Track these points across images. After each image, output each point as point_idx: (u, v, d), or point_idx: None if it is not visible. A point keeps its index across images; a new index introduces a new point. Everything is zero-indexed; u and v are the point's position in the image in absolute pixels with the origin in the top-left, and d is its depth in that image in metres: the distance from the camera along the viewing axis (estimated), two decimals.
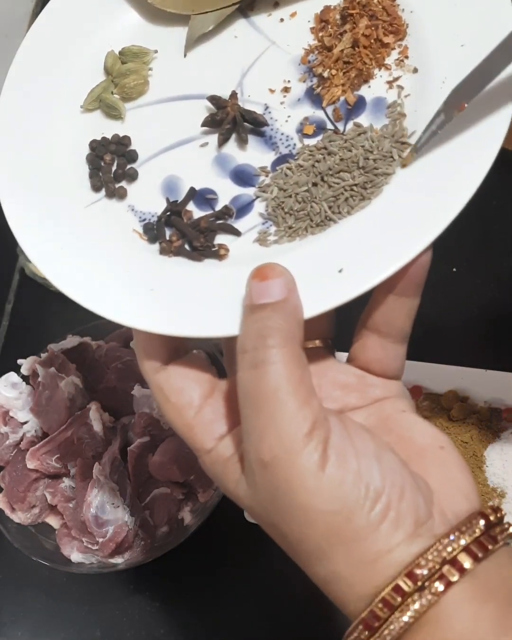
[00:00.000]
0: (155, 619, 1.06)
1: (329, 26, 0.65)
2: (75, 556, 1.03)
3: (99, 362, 1.12)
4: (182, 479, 1.04)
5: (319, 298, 0.54)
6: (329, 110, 0.63)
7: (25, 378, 1.11)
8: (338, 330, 0.62)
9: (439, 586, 0.48)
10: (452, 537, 0.50)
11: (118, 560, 1.03)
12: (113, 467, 1.03)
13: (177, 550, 1.01)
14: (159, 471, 1.03)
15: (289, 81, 0.65)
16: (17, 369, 1.11)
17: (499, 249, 1.14)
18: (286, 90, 0.65)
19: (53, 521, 1.08)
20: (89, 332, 1.14)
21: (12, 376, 1.10)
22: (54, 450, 1.04)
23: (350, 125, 0.62)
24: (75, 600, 1.08)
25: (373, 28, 0.63)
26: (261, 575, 1.05)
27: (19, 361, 1.10)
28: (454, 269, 1.14)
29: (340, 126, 0.62)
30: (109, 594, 1.08)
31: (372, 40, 0.63)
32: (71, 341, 1.11)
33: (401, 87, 0.62)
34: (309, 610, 1.01)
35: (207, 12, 0.68)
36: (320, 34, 0.65)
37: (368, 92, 0.63)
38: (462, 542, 0.50)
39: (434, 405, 1.05)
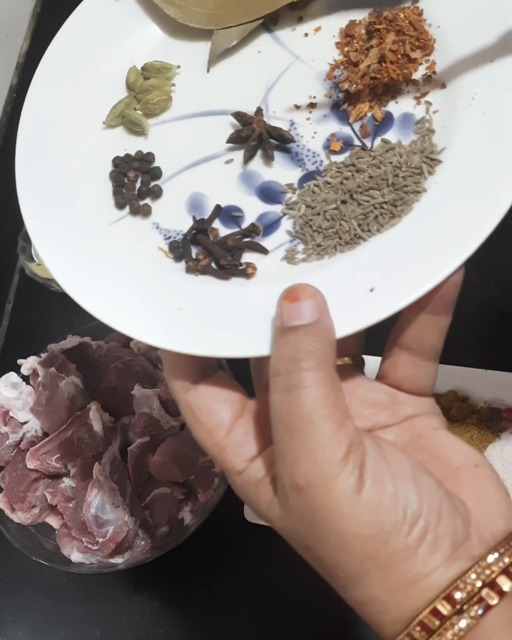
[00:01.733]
0: (155, 619, 1.06)
1: (355, 41, 0.64)
2: (75, 556, 1.03)
3: (99, 362, 1.12)
4: (182, 479, 1.04)
5: (351, 318, 0.53)
6: (356, 126, 0.62)
7: (25, 378, 1.11)
8: (368, 332, 0.62)
9: (478, 610, 0.48)
10: (490, 559, 0.49)
11: (118, 560, 1.03)
12: (113, 467, 1.03)
13: (177, 550, 1.01)
14: (159, 471, 1.03)
15: (314, 97, 0.64)
16: (17, 369, 1.10)
17: (499, 249, 1.14)
18: (312, 106, 0.64)
19: (53, 521, 1.08)
20: (89, 332, 1.13)
21: (12, 376, 1.10)
22: (54, 450, 1.04)
23: (377, 141, 0.61)
24: (75, 600, 1.08)
25: (400, 43, 0.62)
26: (261, 575, 1.05)
27: (19, 361, 1.10)
28: None
29: (367, 143, 0.61)
30: (109, 594, 1.08)
31: (399, 56, 0.62)
32: (71, 341, 1.11)
33: (429, 103, 0.61)
34: (308, 610, 1.02)
35: (230, 27, 0.67)
36: (346, 49, 0.64)
37: (395, 108, 0.62)
38: (501, 564, 0.49)
39: None
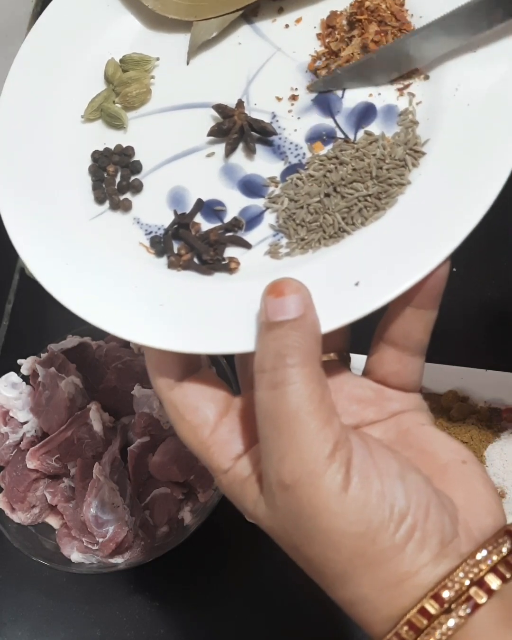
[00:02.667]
0: (155, 619, 1.06)
1: (336, 32, 0.64)
2: (75, 556, 1.03)
3: (99, 362, 1.11)
4: (182, 479, 1.03)
5: (336, 312, 0.52)
6: (339, 118, 0.62)
7: (25, 378, 1.11)
8: (353, 330, 0.61)
9: (466, 609, 0.47)
10: (478, 557, 0.49)
11: (118, 560, 1.02)
12: (113, 467, 1.02)
13: (177, 550, 1.01)
14: (159, 471, 1.03)
15: (296, 89, 0.64)
16: (17, 369, 1.10)
17: (499, 249, 1.13)
18: (294, 98, 0.63)
19: (53, 521, 1.08)
20: (89, 332, 1.13)
21: (12, 376, 1.10)
22: (54, 450, 1.04)
23: (361, 133, 0.60)
24: (75, 600, 1.08)
25: (383, 34, 0.62)
26: (261, 575, 1.05)
27: (19, 361, 1.10)
28: (454, 269, 1.13)
29: (350, 135, 0.61)
30: (109, 594, 1.07)
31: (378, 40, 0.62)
32: (71, 341, 1.11)
33: (412, 94, 0.61)
34: (308, 610, 1.01)
35: (210, 19, 0.66)
36: (327, 40, 0.64)
37: (378, 99, 0.61)
38: (489, 562, 0.49)
39: (434, 405, 1.05)
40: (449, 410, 1.04)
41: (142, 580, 1.07)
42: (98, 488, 1.00)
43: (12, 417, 1.08)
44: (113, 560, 1.02)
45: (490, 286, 1.13)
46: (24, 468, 1.06)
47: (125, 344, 1.13)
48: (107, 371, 1.10)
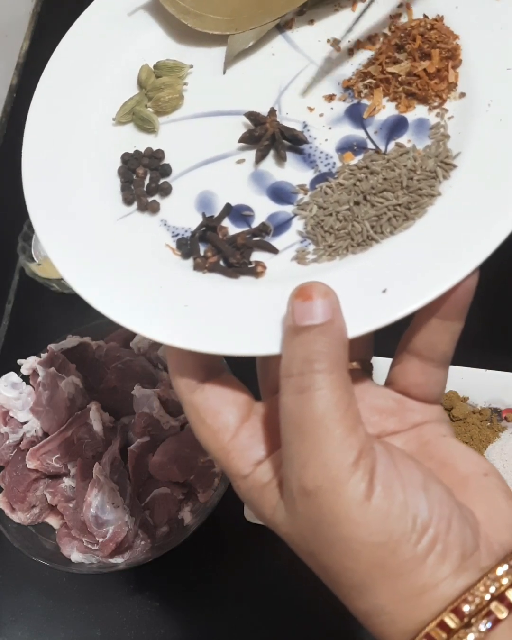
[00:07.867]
0: (155, 619, 1.06)
1: (380, 58, 0.64)
2: (75, 556, 1.03)
3: (99, 362, 1.12)
4: (182, 479, 1.04)
5: (363, 318, 0.52)
6: (370, 130, 0.62)
7: (25, 378, 1.11)
8: (376, 334, 0.61)
9: (487, 623, 0.47)
10: (499, 572, 0.48)
11: (118, 560, 1.03)
12: (113, 467, 1.03)
13: (177, 550, 1.01)
14: (159, 471, 1.03)
15: (328, 99, 0.64)
16: (17, 369, 1.10)
17: (499, 248, 1.14)
18: (326, 107, 0.63)
19: (53, 521, 1.08)
20: (89, 332, 1.13)
21: (12, 376, 1.10)
22: (54, 450, 1.04)
23: (392, 145, 0.60)
24: (75, 600, 1.08)
25: (446, 59, 0.61)
26: (261, 575, 1.06)
27: (19, 361, 1.10)
28: None
29: (381, 146, 0.61)
30: (109, 594, 1.08)
31: (434, 70, 0.62)
32: (71, 341, 1.11)
33: (444, 109, 0.61)
34: (308, 610, 1.02)
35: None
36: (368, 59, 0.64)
37: (410, 112, 0.62)
38: (510, 576, 0.48)
39: None
40: (449, 410, 1.05)
41: (142, 580, 1.08)
42: (98, 488, 1.01)
43: (12, 417, 1.08)
44: (113, 560, 1.03)
45: (490, 286, 1.13)
46: (24, 468, 1.06)
47: (126, 344, 1.13)
48: (107, 371, 1.10)
